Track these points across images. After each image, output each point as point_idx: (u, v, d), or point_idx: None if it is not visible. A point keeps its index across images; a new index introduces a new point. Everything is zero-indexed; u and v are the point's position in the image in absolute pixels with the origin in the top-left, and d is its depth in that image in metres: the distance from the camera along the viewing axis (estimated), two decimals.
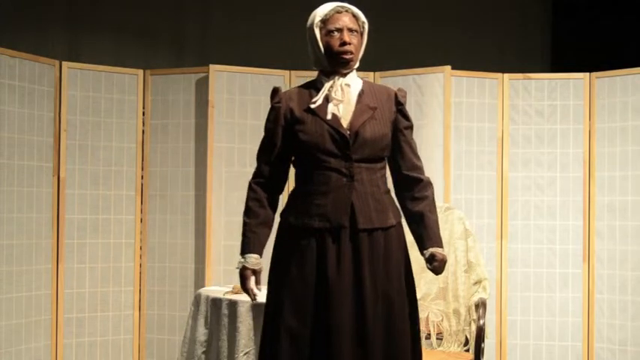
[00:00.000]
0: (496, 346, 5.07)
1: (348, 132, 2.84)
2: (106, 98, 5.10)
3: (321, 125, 2.84)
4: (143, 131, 5.18)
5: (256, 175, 2.97)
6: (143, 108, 5.19)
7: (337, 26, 2.88)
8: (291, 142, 2.89)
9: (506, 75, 5.17)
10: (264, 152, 2.96)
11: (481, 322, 3.93)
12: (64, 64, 4.98)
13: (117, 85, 5.13)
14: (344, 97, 2.88)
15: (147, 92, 5.19)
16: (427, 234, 2.92)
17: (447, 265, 3.69)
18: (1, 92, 4.61)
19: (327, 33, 2.89)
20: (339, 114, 2.87)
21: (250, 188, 2.97)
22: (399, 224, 2.95)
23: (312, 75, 5.12)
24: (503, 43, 6.90)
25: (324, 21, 2.90)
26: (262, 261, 2.92)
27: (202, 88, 5.10)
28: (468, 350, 4.01)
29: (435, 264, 2.88)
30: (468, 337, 4.02)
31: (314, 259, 2.83)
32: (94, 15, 5.94)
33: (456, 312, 4.07)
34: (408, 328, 2.90)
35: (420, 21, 6.62)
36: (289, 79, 5.13)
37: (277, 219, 3.00)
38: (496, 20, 6.92)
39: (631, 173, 4.94)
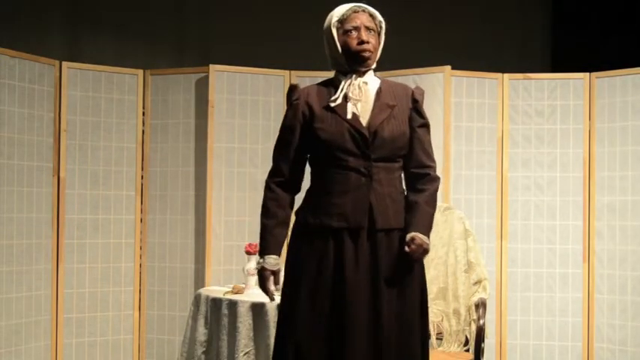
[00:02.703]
0: (496, 346, 5.07)
1: (367, 131, 2.83)
2: (106, 98, 5.10)
3: (340, 124, 2.83)
4: (143, 131, 5.18)
5: (274, 173, 2.95)
6: (143, 108, 5.18)
7: (354, 25, 2.88)
8: (310, 140, 2.88)
9: (506, 75, 5.17)
10: (283, 150, 2.93)
11: (481, 322, 3.93)
12: (64, 64, 4.98)
13: (117, 85, 5.13)
14: (362, 95, 2.88)
15: (147, 92, 5.19)
16: (415, 220, 2.86)
17: (446, 265, 3.69)
18: (1, 92, 4.61)
19: (345, 32, 2.89)
20: (358, 113, 2.86)
21: (268, 188, 2.94)
22: None
23: (312, 75, 5.14)
24: (503, 43, 6.90)
25: (341, 21, 2.90)
26: (280, 261, 2.93)
27: (202, 88, 5.10)
28: (468, 350, 4.01)
29: (413, 247, 2.79)
30: (468, 337, 4.02)
31: (332, 259, 2.82)
32: (94, 15, 5.94)
33: (456, 312, 4.07)
34: (419, 329, 2.90)
35: (420, 21, 6.62)
36: (289, 79, 5.12)
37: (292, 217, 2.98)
38: (496, 20, 6.92)
39: (631, 173, 4.94)
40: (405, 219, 2.89)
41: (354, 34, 2.87)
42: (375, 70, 2.98)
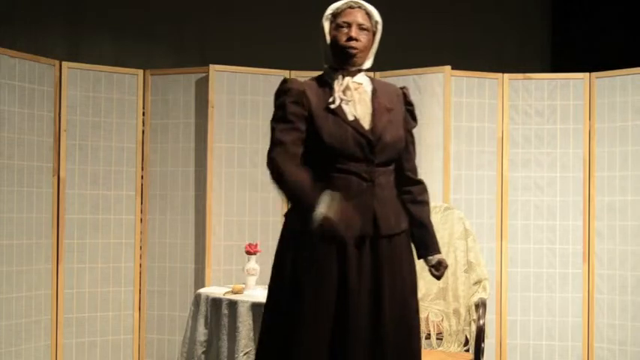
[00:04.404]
0: (496, 346, 5.07)
1: (372, 135, 2.72)
2: (106, 98, 5.10)
3: (344, 128, 2.71)
4: (143, 131, 5.18)
5: (284, 151, 2.69)
6: (143, 108, 5.18)
7: (346, 20, 2.77)
8: (310, 137, 2.72)
9: (506, 75, 5.16)
10: (290, 133, 2.71)
11: (481, 322, 3.93)
12: (64, 64, 4.98)
13: (117, 85, 5.13)
14: (359, 96, 2.78)
15: (147, 92, 5.19)
16: (431, 241, 2.93)
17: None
18: (1, 92, 4.61)
19: (336, 27, 2.78)
20: (358, 116, 2.75)
21: (279, 156, 2.68)
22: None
23: (312, 75, 5.14)
24: (503, 43, 6.90)
25: (335, 15, 2.80)
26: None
27: (202, 88, 5.10)
28: (468, 350, 4.01)
29: (442, 270, 2.91)
30: (468, 337, 4.02)
31: (335, 269, 2.68)
32: (94, 15, 5.94)
33: (456, 312, 4.07)
34: (419, 332, 2.88)
35: (420, 21, 6.62)
36: None
37: (281, 220, 2.86)
38: (496, 20, 6.92)
39: (631, 173, 4.94)
40: (418, 236, 2.92)
41: (345, 29, 2.77)
42: (373, 71, 2.92)
